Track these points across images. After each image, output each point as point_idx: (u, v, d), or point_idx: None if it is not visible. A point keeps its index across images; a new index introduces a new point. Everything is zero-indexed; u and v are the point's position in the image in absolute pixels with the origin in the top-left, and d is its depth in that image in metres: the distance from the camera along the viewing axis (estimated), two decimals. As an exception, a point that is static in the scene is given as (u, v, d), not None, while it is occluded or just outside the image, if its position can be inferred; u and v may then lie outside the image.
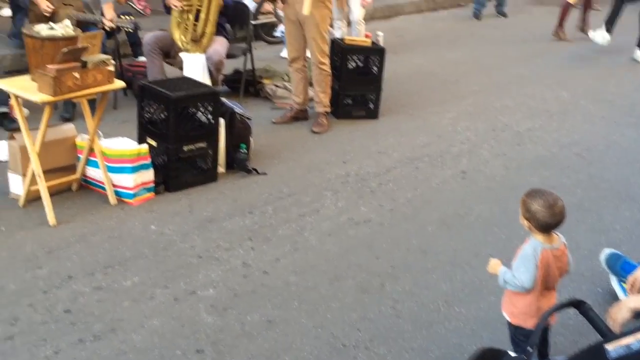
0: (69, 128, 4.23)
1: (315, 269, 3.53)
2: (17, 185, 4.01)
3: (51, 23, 3.95)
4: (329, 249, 3.73)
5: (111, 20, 5.53)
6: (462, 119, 5.92)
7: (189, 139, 4.32)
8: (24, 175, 3.92)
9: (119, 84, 4.03)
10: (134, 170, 4.04)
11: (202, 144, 4.38)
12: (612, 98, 6.66)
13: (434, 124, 5.78)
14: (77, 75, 3.68)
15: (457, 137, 5.51)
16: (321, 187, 4.52)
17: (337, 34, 7.47)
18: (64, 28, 3.94)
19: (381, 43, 7.48)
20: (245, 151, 4.69)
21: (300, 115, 5.71)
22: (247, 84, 6.20)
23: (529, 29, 9.69)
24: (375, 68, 5.87)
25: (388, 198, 4.40)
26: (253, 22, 6.91)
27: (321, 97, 5.58)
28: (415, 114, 6.03)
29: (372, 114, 5.88)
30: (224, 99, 4.73)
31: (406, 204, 4.33)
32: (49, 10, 5.45)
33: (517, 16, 10.54)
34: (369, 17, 9.45)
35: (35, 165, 3.75)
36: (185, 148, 4.30)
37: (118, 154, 4.06)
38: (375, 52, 5.87)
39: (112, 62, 3.95)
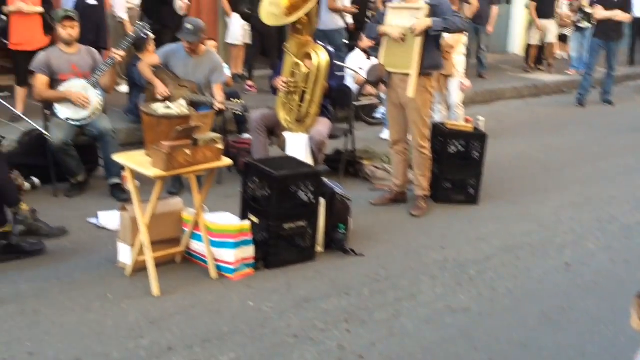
0: (176, 202, 4.40)
1: (412, 357, 3.45)
2: (125, 255, 4.17)
3: (167, 102, 4.17)
4: (425, 337, 3.65)
5: (222, 103, 5.79)
6: (565, 209, 5.76)
7: (290, 217, 4.39)
8: (132, 245, 4.08)
9: (226, 161, 4.18)
10: (236, 245, 4.13)
11: (302, 223, 4.44)
12: None
13: (536, 213, 5.65)
14: (188, 152, 3.85)
15: (560, 227, 5.35)
16: (418, 271, 4.46)
17: (437, 117, 7.52)
18: (179, 107, 4.15)
19: (482, 128, 7.48)
20: (344, 232, 4.72)
21: (399, 198, 5.71)
22: (347, 164, 6.29)
23: (637, 117, 9.43)
24: (476, 153, 5.83)
25: (487, 287, 4.29)
26: (355, 103, 7.05)
27: (421, 180, 5.58)
28: (516, 201, 5.92)
29: (472, 200, 5.82)
30: (324, 179, 4.81)
31: (506, 294, 4.21)
32: (165, 94, 5.77)
33: (623, 104, 10.31)
34: (469, 101, 9.49)
35: (143, 237, 3.89)
36: (286, 226, 4.36)
37: (221, 229, 4.17)
38: (476, 137, 5.85)
39: (221, 140, 4.11)
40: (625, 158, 7.41)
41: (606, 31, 9.88)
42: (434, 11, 5.19)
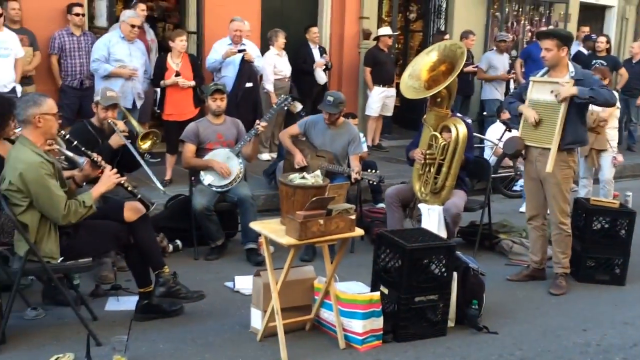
0: (309, 270, 4.47)
1: None
2: (257, 320, 4.26)
3: (304, 173, 4.29)
4: None
5: (358, 173, 5.88)
6: None
7: (421, 290, 4.33)
8: (264, 311, 4.17)
9: (359, 231, 4.20)
10: (365, 316, 4.11)
11: (433, 296, 4.36)
12: None
13: (691, 298, 5.23)
14: (321, 222, 3.91)
15: None
16: (557, 354, 4.23)
17: (582, 192, 7.22)
18: (314, 177, 4.25)
19: (630, 204, 7.09)
20: (477, 307, 4.58)
21: (537, 275, 5.49)
22: (483, 238, 6.14)
23: None
24: (623, 231, 5.53)
25: (634, 376, 3.99)
26: (492, 175, 6.93)
27: (560, 257, 5.34)
28: (668, 283, 5.52)
29: (618, 280, 5.48)
30: (459, 253, 4.72)
31: (655, 386, 3.89)
32: (303, 164, 5.97)
33: None
34: (617, 175, 9.02)
35: (275, 303, 3.97)
36: (417, 299, 4.30)
37: (351, 299, 4.17)
38: (623, 215, 5.56)
39: (354, 211, 4.16)
40: None
41: None
42: (578, 85, 5.06)
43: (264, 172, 7.45)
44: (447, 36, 9.88)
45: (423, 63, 5.73)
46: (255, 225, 4.19)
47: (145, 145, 5.64)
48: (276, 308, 3.95)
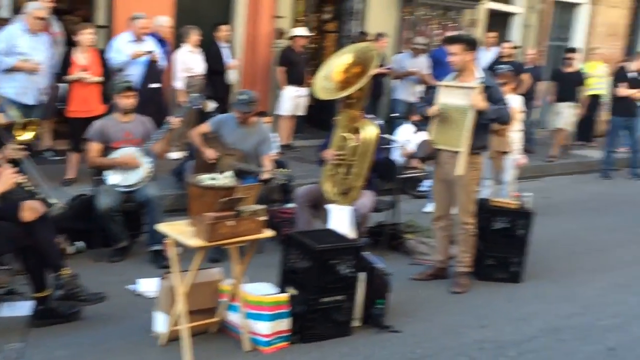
0: (216, 272, 4.46)
1: None
2: (160, 324, 4.21)
3: (214, 174, 4.27)
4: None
5: (269, 172, 5.90)
6: (611, 291, 5.63)
7: (329, 291, 4.39)
8: (169, 314, 4.13)
9: (268, 233, 4.23)
10: (272, 318, 4.15)
11: (340, 297, 4.44)
12: None
13: (582, 294, 5.53)
14: (231, 223, 3.92)
15: (606, 310, 5.22)
16: (456, 351, 4.40)
17: (486, 192, 7.48)
18: (224, 178, 4.25)
19: (529, 204, 7.41)
20: (382, 307, 4.69)
21: (440, 274, 5.67)
22: (390, 238, 6.29)
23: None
24: (521, 231, 5.78)
25: (527, 371, 4.20)
26: (400, 176, 7.09)
27: (463, 256, 5.53)
28: (560, 281, 5.81)
29: (515, 278, 5.73)
30: (366, 253, 4.82)
31: (546, 380, 4.11)
32: (213, 157, 5.94)
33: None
34: (517, 177, 9.42)
35: (181, 306, 3.95)
36: (324, 299, 4.36)
37: (258, 301, 4.20)
38: (522, 216, 5.81)
39: (265, 212, 4.19)
40: (677, 240, 7.23)
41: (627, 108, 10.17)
42: (486, 92, 5.26)
43: (172, 171, 7.36)
44: (384, 38, 10.08)
45: (337, 64, 5.80)
46: (162, 227, 4.15)
47: (24, 136, 5.18)
48: (182, 311, 3.93)
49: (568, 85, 10.79)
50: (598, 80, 12.19)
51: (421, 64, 10.18)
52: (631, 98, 10.19)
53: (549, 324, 4.91)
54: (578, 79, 10.96)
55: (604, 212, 8.30)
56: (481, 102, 5.18)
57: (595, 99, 12.03)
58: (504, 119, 5.39)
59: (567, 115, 10.97)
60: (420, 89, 10.17)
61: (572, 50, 11.70)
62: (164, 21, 8.36)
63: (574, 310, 5.18)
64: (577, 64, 11.16)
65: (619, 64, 12.26)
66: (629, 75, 10.30)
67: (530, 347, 4.53)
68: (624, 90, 10.15)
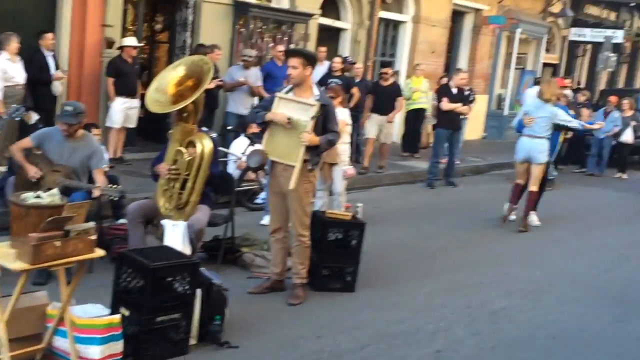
0: (41, 296, 4.21)
1: None
2: (-19, 353, 3.91)
3: (39, 192, 4.03)
4: None
5: (98, 189, 5.64)
6: (438, 295, 5.95)
7: (164, 309, 4.29)
8: (-11, 343, 3.84)
9: (99, 252, 4.06)
10: (103, 341, 3.97)
11: (176, 315, 4.34)
12: (585, 279, 6.76)
13: (411, 300, 5.80)
14: (58, 244, 3.72)
15: (432, 314, 5.52)
16: (294, 363, 4.45)
17: (318, 203, 7.66)
18: (50, 197, 4.02)
19: (360, 214, 7.69)
20: (219, 323, 4.65)
21: (277, 286, 5.72)
22: (226, 252, 6.25)
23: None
24: (354, 241, 5.97)
25: (361, 378, 4.33)
26: (236, 189, 7.08)
27: (299, 268, 5.62)
28: (391, 288, 6.06)
29: (349, 287, 5.90)
30: (202, 269, 4.76)
31: (380, 385, 4.26)
32: (37, 177, 5.61)
33: (496, 193, 10.89)
34: (348, 187, 9.72)
35: (1, 335, 3.68)
36: (159, 319, 4.25)
37: (88, 325, 4.01)
38: (355, 226, 6.00)
39: (94, 230, 4.01)
40: (493, 245, 7.80)
41: (451, 121, 10.87)
42: (323, 111, 5.38)
43: (-7, 187, 6.86)
44: (218, 50, 10.00)
45: (170, 77, 5.69)
46: (-21, 249, 3.85)
47: None
48: (3, 341, 3.67)
49: (384, 98, 11.32)
50: (422, 95, 12.94)
51: (252, 76, 10.23)
52: (455, 112, 10.85)
53: (381, 331, 5.10)
54: (394, 92, 11.49)
55: (430, 220, 8.79)
56: (314, 139, 5.31)
57: (419, 112, 12.73)
58: (333, 144, 5.60)
59: (385, 127, 11.43)
60: (252, 101, 10.22)
61: (388, 65, 12.37)
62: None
63: (404, 316, 5.42)
64: (392, 78, 11.71)
65: (441, 79, 13.11)
66: (453, 90, 10.97)
67: (365, 354, 4.68)
68: (447, 105, 10.80)
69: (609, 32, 20.07)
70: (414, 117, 12.61)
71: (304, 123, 5.33)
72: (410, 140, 13.37)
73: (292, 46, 11.43)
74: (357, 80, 11.54)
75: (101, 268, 5.67)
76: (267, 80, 10.41)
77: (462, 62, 17.14)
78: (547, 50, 20.03)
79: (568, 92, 13.98)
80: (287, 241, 5.72)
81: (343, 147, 7.69)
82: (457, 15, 16.78)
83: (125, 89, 9.32)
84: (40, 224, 3.71)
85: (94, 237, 3.97)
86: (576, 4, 20.39)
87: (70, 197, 5.24)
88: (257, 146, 7.52)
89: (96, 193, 5.65)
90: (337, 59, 11.09)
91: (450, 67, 16.40)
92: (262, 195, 8.16)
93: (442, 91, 11.20)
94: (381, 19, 14.41)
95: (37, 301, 4.14)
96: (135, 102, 9.53)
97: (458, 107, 10.85)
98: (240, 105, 10.21)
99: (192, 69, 5.66)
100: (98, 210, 6.09)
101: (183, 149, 5.60)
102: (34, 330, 4.07)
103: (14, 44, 7.92)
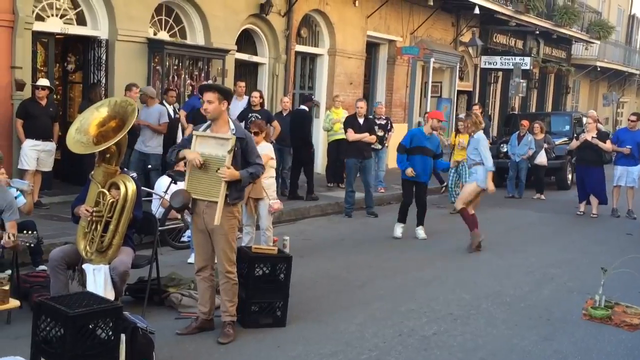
0: (-46, 352, 3.97)
1: None
2: None
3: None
4: None
5: (12, 236, 5.40)
6: (369, 325, 5.94)
7: (87, 358, 4.12)
8: None
9: (14, 303, 3.88)
10: (24, 396, 3.77)
11: (99, 363, 4.17)
12: (510, 300, 6.89)
13: (342, 331, 5.76)
14: (-32, 296, 3.52)
15: (364, 345, 5.49)
16: (226, 405, 4.32)
17: (246, 239, 7.58)
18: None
19: (287, 247, 7.64)
20: (147, 367, 4.50)
21: (206, 326, 5.58)
22: (152, 293, 6.08)
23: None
24: (282, 275, 5.91)
25: (297, 415, 4.24)
26: (160, 228, 6.91)
27: (228, 305, 5.51)
28: (323, 320, 6.01)
29: (280, 322, 5.82)
30: (126, 313, 4.60)
31: (316, 421, 4.18)
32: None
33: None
34: (276, 221, 9.68)
35: None
36: (82, 368, 4.07)
37: (7, 379, 3.80)
38: (282, 260, 5.95)
39: (8, 281, 3.82)
40: (420, 271, 7.87)
41: (359, 151, 10.96)
42: (240, 144, 5.34)
43: None
44: (135, 89, 9.84)
45: (92, 118, 5.56)
46: None
47: None
48: None
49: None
50: (342, 126, 13.06)
51: (153, 114, 10.09)
52: (362, 141, 10.89)
53: (314, 365, 5.04)
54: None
55: (357, 249, 8.82)
56: (233, 173, 5.27)
57: (340, 143, 12.83)
58: (257, 176, 5.56)
59: None
60: (156, 139, 10.08)
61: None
62: None
63: (337, 348, 5.37)
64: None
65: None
66: (359, 120, 11.06)
67: (299, 390, 4.60)
68: (353, 135, 10.88)
69: (517, 59, 20.93)
70: (337, 148, 12.71)
71: (222, 158, 5.28)
72: (335, 171, 13.44)
73: (210, 81, 11.39)
74: (286, 113, 11.65)
75: (20, 318, 5.40)
76: (191, 115, 10.35)
77: (380, 92, 17.50)
78: (461, 78, 20.70)
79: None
80: (213, 279, 5.62)
81: (268, 182, 7.67)
82: (372, 47, 17.15)
83: (37, 131, 9.06)
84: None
85: (7, 287, 3.78)
86: (485, 34, 21.20)
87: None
88: (180, 185, 7.44)
89: (9, 244, 5.39)
90: (256, 93, 11.09)
91: (369, 97, 16.70)
92: (188, 233, 8.01)
93: (349, 122, 11.20)
94: (298, 53, 14.57)
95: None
96: (50, 145, 9.25)
97: (364, 136, 10.94)
98: (142, 143, 10.07)
99: (116, 110, 5.55)
100: (14, 258, 5.84)
101: (106, 191, 5.44)
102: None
103: None
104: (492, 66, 21.57)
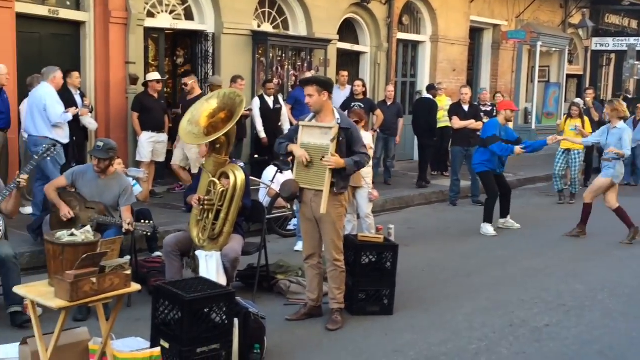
0: (82, 332, 4.21)
1: None
2: (25, 393, 3.91)
3: (73, 230, 4.05)
4: None
5: (130, 224, 5.68)
6: (477, 315, 5.84)
7: (203, 340, 4.26)
8: (33, 382, 3.84)
9: (135, 287, 4.06)
10: (146, 375, 3.96)
11: (215, 346, 4.31)
12: (629, 292, 6.59)
13: (450, 320, 5.70)
14: (94, 280, 3.73)
15: (473, 334, 5.40)
16: (337, 390, 4.38)
17: (348, 227, 7.61)
18: (84, 234, 4.04)
19: (392, 236, 7.62)
20: (259, 352, 4.62)
21: (315, 312, 5.66)
22: (261, 280, 6.22)
23: (537, 219, 9.82)
24: (388, 263, 5.90)
25: (406, 402, 4.24)
26: (267, 216, 7.05)
27: (336, 293, 5.56)
28: (430, 309, 5.97)
29: (387, 310, 5.82)
30: (238, 298, 4.73)
31: (426, 409, 4.16)
32: (69, 216, 5.66)
33: (529, 208, 10.74)
34: (380, 209, 9.69)
35: (46, 373, 3.68)
36: (199, 350, 4.22)
37: (130, 358, 4.01)
38: (388, 249, 5.94)
39: (129, 265, 4.01)
40: (530, 260, 7.65)
41: (465, 139, 10.74)
42: (345, 134, 5.36)
43: (28, 227, 6.91)
44: (241, 81, 10.09)
45: (202, 109, 5.75)
46: (19, 290, 3.87)
47: None
48: (47, 378, 3.66)
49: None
50: (445, 113, 12.87)
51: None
52: (468, 129, 10.72)
53: (423, 353, 5.01)
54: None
55: (463, 238, 8.68)
56: (339, 161, 5.28)
57: (444, 131, 12.66)
58: (362, 165, 5.51)
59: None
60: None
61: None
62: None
63: (446, 337, 5.32)
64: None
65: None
66: (464, 107, 10.88)
67: (408, 378, 4.59)
68: (458, 122, 10.72)
69: (631, 40, 19.91)
70: (440, 136, 12.53)
71: (327, 146, 5.32)
72: (439, 159, 13.26)
73: (312, 72, 11.49)
74: (389, 102, 11.61)
75: (140, 301, 5.68)
76: (295, 107, 10.49)
77: (484, 78, 17.10)
78: (570, 62, 19.92)
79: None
80: (321, 267, 5.67)
81: (366, 170, 7.65)
82: (476, 32, 16.77)
83: (152, 124, 9.41)
84: (76, 262, 3.72)
85: (129, 271, 3.96)
86: (596, 14, 20.28)
87: (103, 233, 5.28)
88: (286, 174, 7.57)
89: (127, 228, 5.68)
90: (358, 82, 11.10)
91: (473, 83, 16.36)
92: (294, 221, 8.14)
93: (453, 109, 11.07)
94: (399, 41, 14.44)
95: (78, 337, 4.15)
96: (163, 137, 9.60)
97: (470, 123, 10.74)
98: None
99: (225, 102, 5.71)
100: (133, 244, 6.12)
101: (217, 181, 5.61)
102: (77, 367, 4.07)
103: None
104: (604, 48, 20.63)
